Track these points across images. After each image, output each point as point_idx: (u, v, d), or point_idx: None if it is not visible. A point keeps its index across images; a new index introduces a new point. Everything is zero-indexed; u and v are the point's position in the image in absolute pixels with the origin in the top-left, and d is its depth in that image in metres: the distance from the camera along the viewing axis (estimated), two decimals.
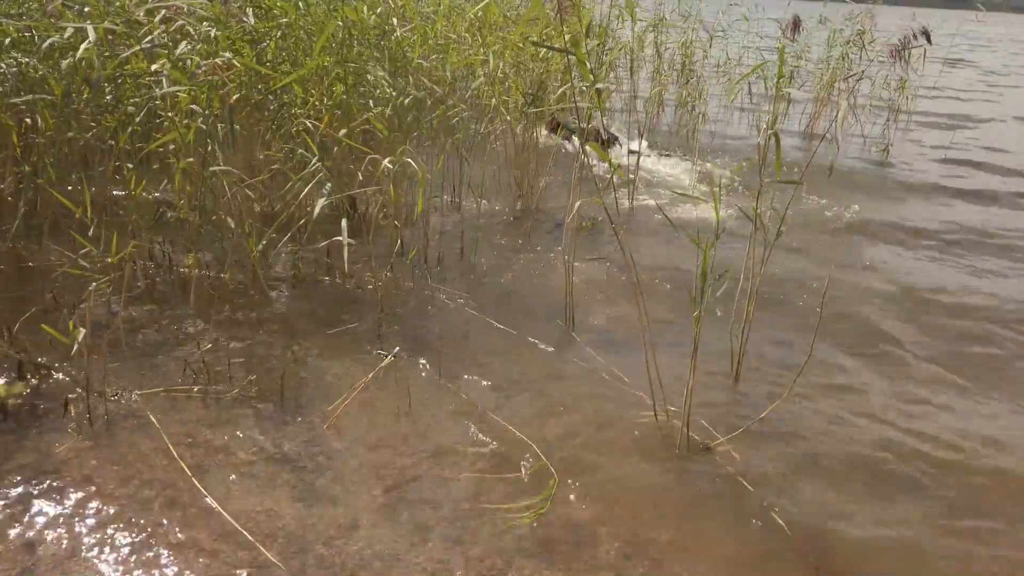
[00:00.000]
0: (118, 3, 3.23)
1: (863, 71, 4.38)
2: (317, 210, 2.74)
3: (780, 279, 3.98)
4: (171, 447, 2.32)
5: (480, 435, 2.53)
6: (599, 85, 2.54)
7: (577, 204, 2.74)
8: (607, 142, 5.46)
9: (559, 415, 2.68)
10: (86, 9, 3.23)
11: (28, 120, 3.49)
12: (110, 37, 3.08)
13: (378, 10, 3.84)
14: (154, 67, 2.84)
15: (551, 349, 3.14)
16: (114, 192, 3.60)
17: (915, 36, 2.84)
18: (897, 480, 2.47)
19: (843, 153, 7.28)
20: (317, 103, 3.62)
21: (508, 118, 4.50)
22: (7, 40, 3.12)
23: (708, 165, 6.44)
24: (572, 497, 2.26)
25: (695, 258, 2.46)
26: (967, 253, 4.77)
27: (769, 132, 2.83)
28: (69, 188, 3.38)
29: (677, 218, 4.91)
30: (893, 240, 4.91)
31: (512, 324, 3.31)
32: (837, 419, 2.78)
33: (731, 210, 4.70)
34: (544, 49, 4.25)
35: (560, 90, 3.63)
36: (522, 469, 2.37)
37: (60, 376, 2.61)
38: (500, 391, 2.80)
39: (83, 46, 2.83)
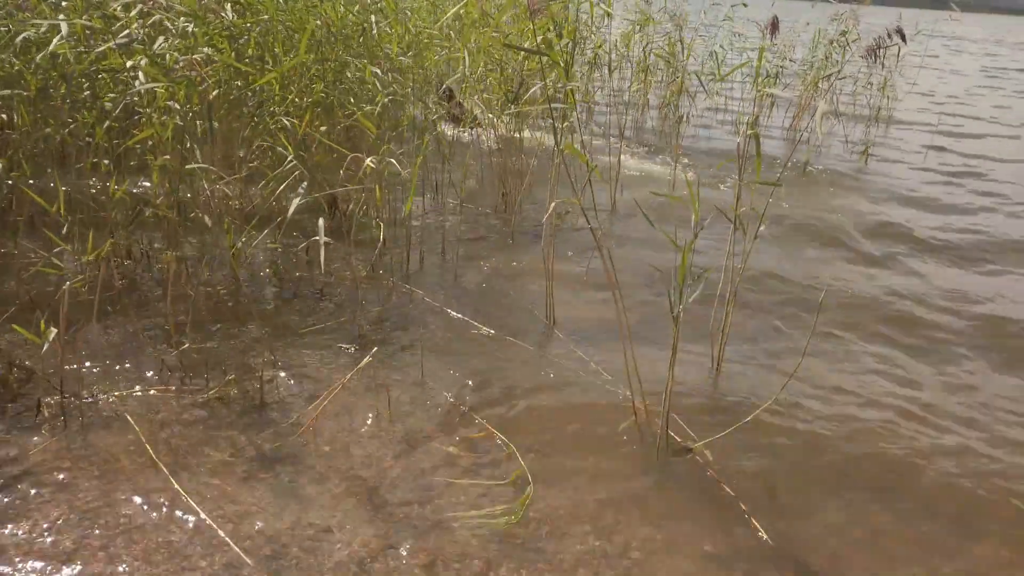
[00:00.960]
0: None
1: (839, 71, 4.42)
2: (292, 209, 2.73)
3: (758, 276, 4.00)
4: (148, 447, 2.30)
5: (459, 435, 2.52)
6: (570, 84, 2.54)
7: (553, 204, 2.74)
8: (457, 117, 5.39)
9: (539, 415, 2.68)
10: (63, 3, 3.19)
11: (3, 116, 3.45)
12: (87, 32, 3.05)
13: (355, 8, 3.83)
14: (130, 63, 2.81)
15: (532, 348, 3.14)
16: (91, 189, 3.56)
17: (890, 36, 2.86)
18: (878, 485, 2.49)
19: (824, 154, 7.33)
20: (296, 100, 3.60)
21: (490, 116, 4.51)
22: None
23: (690, 164, 6.46)
24: (550, 498, 2.27)
25: (676, 256, 2.47)
26: (952, 253, 4.82)
27: (749, 133, 2.85)
28: (47, 184, 3.34)
29: (658, 217, 4.92)
30: (869, 239, 4.95)
31: (493, 323, 3.31)
32: (818, 421, 2.80)
33: (711, 209, 4.72)
34: (523, 51, 4.24)
35: (532, 89, 3.62)
36: (500, 469, 2.37)
37: (34, 376, 2.57)
38: (480, 390, 2.80)
39: (55, 40, 2.79)
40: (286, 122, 3.34)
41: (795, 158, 6.69)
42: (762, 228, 2.99)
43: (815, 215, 5.33)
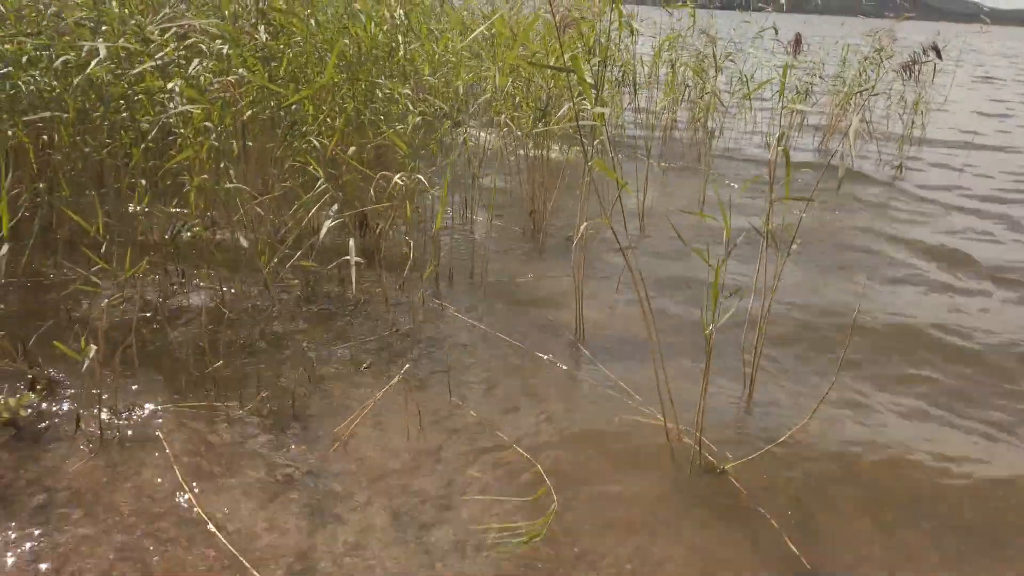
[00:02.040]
0: (134, 21, 3.27)
1: (872, 87, 4.36)
2: (324, 231, 2.76)
3: (792, 295, 3.95)
4: (176, 468, 2.32)
5: (489, 454, 2.51)
6: (599, 109, 2.53)
7: (584, 225, 2.73)
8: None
9: (568, 433, 2.66)
10: (103, 28, 3.27)
11: (45, 137, 3.54)
12: (124, 55, 3.12)
13: (384, 27, 3.87)
14: (170, 85, 2.87)
15: (562, 365, 3.13)
16: (129, 208, 3.63)
17: (924, 52, 2.82)
18: (914, 507, 2.43)
19: (857, 171, 7.24)
20: (328, 119, 3.64)
21: (519, 133, 4.52)
22: (24, 58, 3.16)
23: (720, 180, 6.43)
24: (579, 518, 2.24)
25: (707, 273, 2.45)
26: (977, 276, 4.71)
27: (779, 148, 2.82)
28: (86, 204, 3.41)
29: (688, 233, 4.90)
30: (905, 259, 4.87)
31: (523, 340, 3.30)
32: (853, 442, 2.74)
33: (742, 225, 4.69)
34: (549, 69, 4.25)
35: (562, 111, 3.63)
36: (526, 487, 2.35)
37: (72, 392, 2.62)
38: (510, 408, 2.79)
39: (93, 63, 2.86)
40: (316, 143, 3.38)
41: (827, 177, 6.62)
42: (795, 246, 2.95)
43: (849, 233, 5.26)
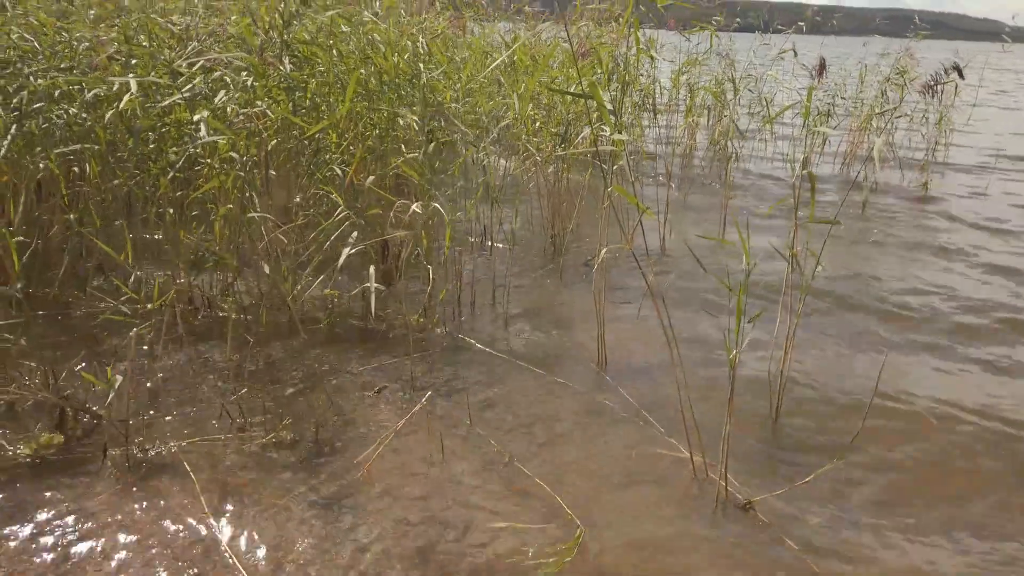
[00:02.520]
0: (163, 57, 3.34)
1: (895, 108, 4.34)
2: (343, 259, 2.79)
3: (817, 320, 3.91)
4: (201, 497, 2.33)
5: (510, 485, 2.49)
6: (617, 136, 2.54)
7: (604, 250, 2.73)
8: None
9: (590, 463, 2.64)
10: (132, 61, 3.35)
11: (76, 168, 3.62)
12: (154, 88, 3.19)
13: (405, 56, 3.93)
14: (196, 117, 2.93)
15: (583, 392, 3.11)
16: (155, 237, 3.69)
17: (946, 72, 2.81)
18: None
19: (880, 192, 7.18)
20: (350, 147, 3.69)
21: (539, 159, 4.55)
22: (57, 92, 3.25)
23: (742, 203, 6.40)
24: (603, 550, 2.22)
25: (729, 297, 2.43)
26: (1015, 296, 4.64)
27: (803, 171, 2.82)
28: (114, 234, 3.47)
29: (709, 258, 4.88)
30: (936, 282, 4.80)
31: (543, 367, 3.29)
32: (884, 473, 2.69)
33: (765, 247, 4.66)
34: (567, 94, 4.29)
35: (581, 135, 3.66)
36: (548, 518, 2.33)
37: (100, 422, 2.65)
38: (531, 437, 2.77)
39: (125, 97, 2.93)
40: (337, 171, 3.42)
41: (851, 198, 6.58)
42: (819, 269, 2.93)
43: (875, 255, 5.21)
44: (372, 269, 2.74)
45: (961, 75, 3.59)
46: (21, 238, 2.87)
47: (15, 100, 3.00)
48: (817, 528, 2.35)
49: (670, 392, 3.06)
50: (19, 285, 2.51)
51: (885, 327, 3.93)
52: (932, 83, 3.29)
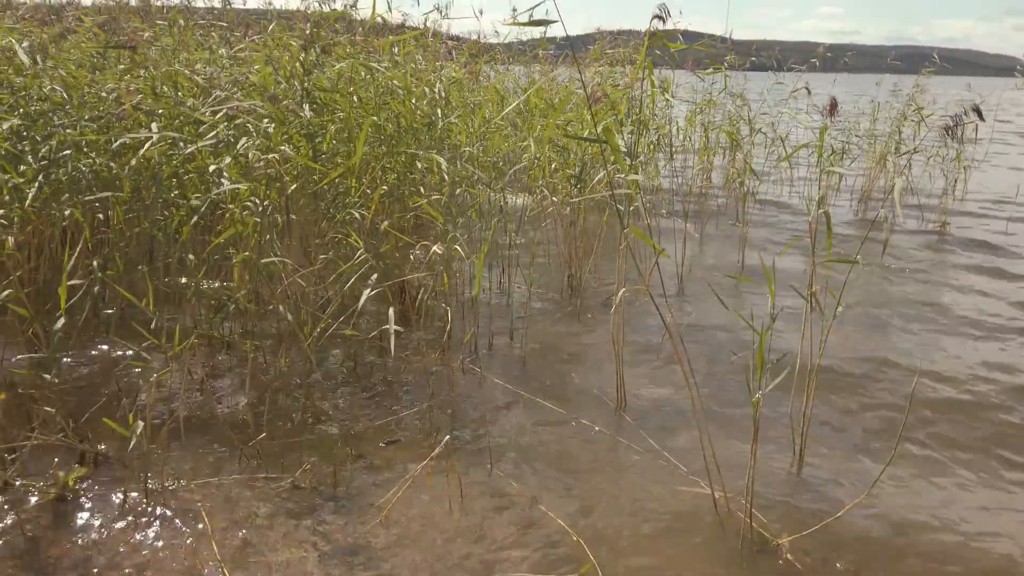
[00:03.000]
0: (187, 106, 3.43)
1: (915, 148, 4.33)
2: (362, 302, 2.80)
3: (839, 359, 3.86)
4: (213, 543, 2.31)
5: (532, 529, 2.46)
6: (632, 177, 2.56)
7: (621, 292, 2.73)
8: None
9: (611, 506, 2.60)
10: (159, 111, 3.44)
11: (100, 215, 3.69)
12: (178, 136, 3.26)
13: (424, 102, 4.00)
14: (211, 167, 2.99)
15: (603, 434, 3.08)
16: (178, 281, 3.73)
17: (966, 112, 2.80)
18: None
19: (899, 230, 7.14)
20: (368, 190, 3.74)
21: (555, 200, 4.58)
22: (83, 142, 3.33)
23: (758, 241, 6.39)
24: None
25: (749, 333, 2.41)
26: None
27: (820, 210, 2.80)
28: (136, 280, 3.52)
29: (728, 297, 4.85)
30: (956, 322, 4.74)
31: (563, 408, 3.27)
32: (911, 518, 2.62)
33: (783, 287, 4.64)
34: (582, 140, 4.33)
35: (597, 177, 3.69)
36: (570, 564, 2.29)
37: (120, 465, 2.65)
38: (551, 480, 2.74)
39: (147, 145, 3.00)
40: (356, 215, 3.46)
41: (870, 235, 6.54)
42: (840, 309, 2.90)
43: (896, 295, 5.16)
44: (391, 311, 2.74)
45: (981, 116, 3.58)
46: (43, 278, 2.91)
47: (44, 150, 3.08)
48: (847, 572, 2.29)
49: (690, 432, 3.03)
50: (61, 322, 2.54)
51: (905, 366, 3.88)
52: (952, 124, 3.28)
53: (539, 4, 2.50)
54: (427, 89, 4.09)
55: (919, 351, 4.10)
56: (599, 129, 2.71)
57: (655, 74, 6.17)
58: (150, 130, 3.16)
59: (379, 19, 4.72)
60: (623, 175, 3.28)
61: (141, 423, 2.31)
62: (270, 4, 5.14)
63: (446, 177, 3.74)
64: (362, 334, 3.72)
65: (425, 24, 5.57)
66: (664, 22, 3.29)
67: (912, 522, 2.57)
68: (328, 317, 3.33)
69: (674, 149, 7.50)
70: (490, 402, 3.33)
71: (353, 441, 2.94)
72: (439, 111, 3.98)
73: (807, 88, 7.19)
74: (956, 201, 8.32)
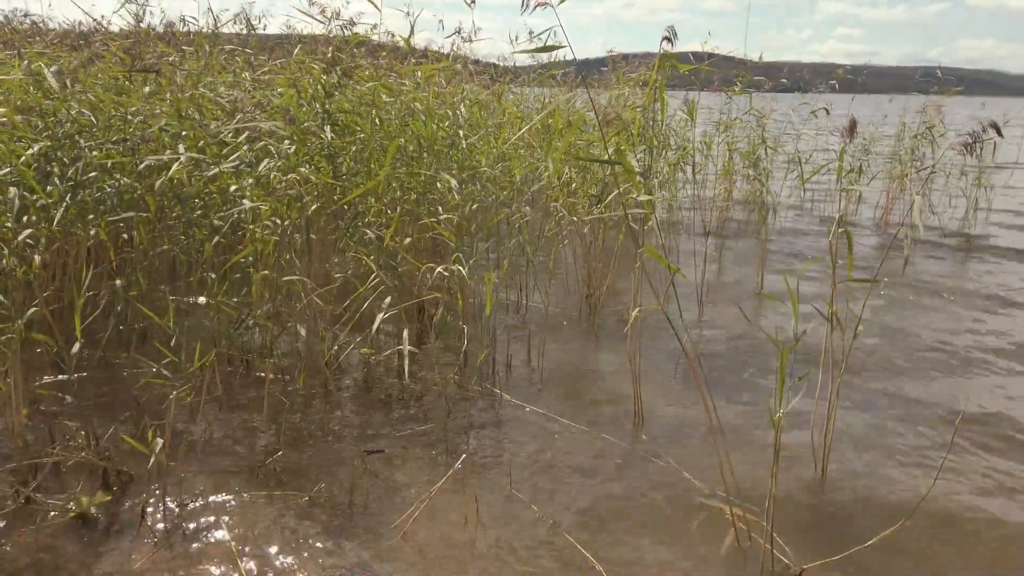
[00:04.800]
0: (212, 127, 3.49)
1: (933, 166, 4.30)
2: (377, 324, 2.82)
3: (860, 374, 3.82)
4: (238, 560, 2.32)
5: (550, 549, 2.44)
6: (646, 197, 2.57)
7: (636, 311, 2.72)
8: None
9: (630, 528, 2.58)
10: (183, 133, 3.50)
11: (124, 235, 3.74)
12: (201, 157, 3.32)
13: (446, 123, 4.04)
14: (232, 188, 3.04)
15: (620, 453, 3.06)
16: (199, 301, 3.78)
17: (985, 129, 2.78)
18: None
19: (920, 248, 7.07)
20: (388, 211, 3.77)
21: (574, 219, 4.59)
22: (110, 163, 3.39)
23: (778, 261, 6.35)
24: None
25: (770, 355, 2.39)
26: None
27: (840, 230, 2.79)
28: (158, 298, 3.56)
29: (749, 316, 4.82)
30: (979, 345, 4.67)
31: (580, 427, 3.25)
32: (943, 534, 2.57)
33: (805, 307, 4.60)
34: (594, 162, 4.35)
35: (611, 195, 3.70)
36: None
37: (140, 483, 2.67)
38: (569, 499, 2.72)
39: (174, 167, 3.06)
40: (371, 234, 3.48)
41: (890, 255, 6.49)
42: (860, 328, 2.86)
43: (918, 313, 5.10)
44: (405, 332, 2.76)
45: (1000, 133, 3.55)
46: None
47: (71, 171, 3.14)
48: None
49: (709, 453, 3.00)
50: (77, 346, 2.59)
51: (930, 388, 3.82)
52: (971, 141, 3.26)
53: (551, 28, 2.55)
54: (449, 112, 4.13)
55: (936, 366, 4.04)
56: (610, 152, 2.73)
57: (681, 96, 6.20)
58: (176, 151, 3.22)
59: (400, 41, 4.78)
60: (637, 196, 3.29)
61: (160, 441, 2.33)
62: (291, 28, 5.22)
63: (457, 198, 3.77)
64: (379, 352, 3.74)
65: (452, 48, 5.64)
66: (672, 44, 3.31)
67: (944, 533, 2.52)
68: (345, 336, 3.35)
69: (697, 169, 7.49)
70: (507, 420, 3.32)
71: (370, 459, 2.94)
72: (461, 132, 4.02)
73: (827, 109, 7.18)
74: (979, 223, 8.23)
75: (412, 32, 4.74)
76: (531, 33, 6.19)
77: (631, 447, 3.13)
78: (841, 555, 2.39)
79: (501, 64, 7.54)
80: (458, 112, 4.11)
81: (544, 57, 6.89)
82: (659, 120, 4.27)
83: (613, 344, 4.30)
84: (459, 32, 5.40)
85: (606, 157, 2.76)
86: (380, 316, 2.85)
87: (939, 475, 2.74)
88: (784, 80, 8.50)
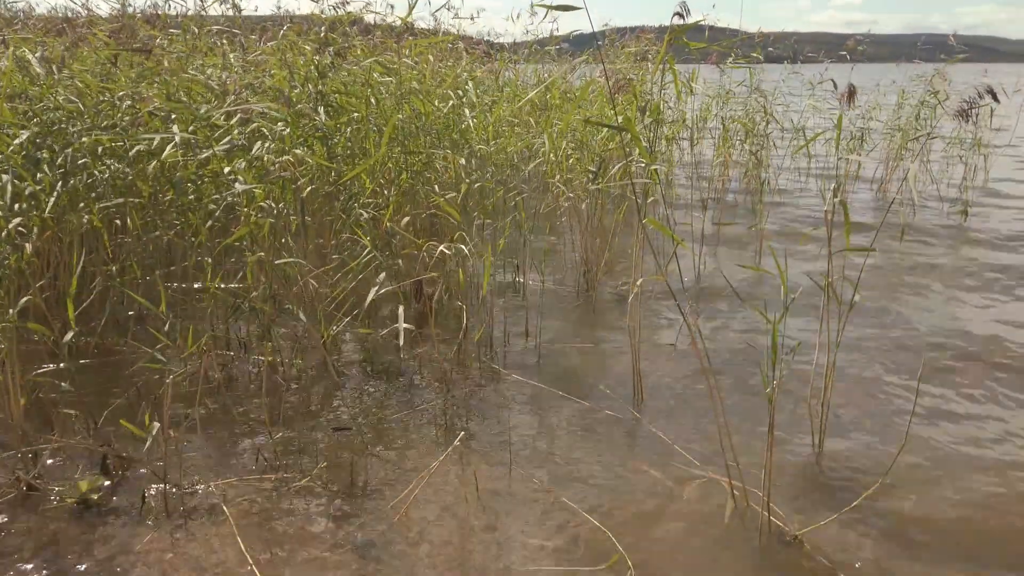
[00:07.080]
0: (203, 110, 3.45)
1: (930, 132, 4.27)
2: (370, 298, 2.82)
3: (857, 342, 3.82)
4: (240, 540, 2.33)
5: (551, 524, 2.45)
6: (653, 165, 2.54)
7: (639, 282, 2.71)
8: None
9: (630, 500, 2.59)
10: (172, 116, 3.47)
11: (117, 222, 3.73)
12: (193, 140, 3.29)
13: (450, 103, 4.00)
14: (227, 169, 3.01)
15: (620, 428, 3.07)
16: (192, 285, 3.78)
17: (980, 95, 2.76)
18: (1013, 565, 2.26)
19: (918, 216, 7.04)
20: (384, 191, 3.75)
21: (571, 195, 4.56)
22: (100, 149, 3.37)
23: (775, 230, 6.33)
24: None
25: (767, 328, 2.39)
26: None
27: (836, 200, 2.77)
28: (152, 283, 3.56)
29: (746, 288, 4.81)
30: (979, 301, 4.66)
31: (580, 403, 3.26)
32: (937, 495, 2.59)
33: (801, 277, 4.58)
34: (603, 127, 4.32)
35: (614, 169, 3.67)
36: (594, 555, 2.28)
37: (140, 467, 2.68)
38: (568, 474, 2.73)
39: (167, 148, 3.03)
40: (365, 214, 3.46)
41: (889, 223, 6.46)
42: (857, 297, 2.86)
43: (913, 284, 5.09)
44: (401, 309, 2.75)
45: (995, 98, 3.52)
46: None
47: (60, 159, 3.12)
48: (870, 562, 2.26)
49: (708, 424, 3.01)
50: (71, 334, 2.59)
51: (925, 355, 3.82)
52: (967, 108, 3.23)
53: None
54: (450, 91, 4.09)
55: (933, 333, 4.04)
56: (618, 119, 2.70)
57: (679, 69, 6.14)
58: (168, 132, 3.19)
59: (395, 20, 4.73)
60: (643, 164, 3.26)
61: (157, 424, 2.34)
62: (280, 8, 5.16)
63: (463, 176, 3.74)
64: (378, 333, 3.74)
65: (436, 23, 5.58)
66: (684, 19, 3.28)
67: (938, 495, 2.54)
68: (342, 317, 3.35)
69: (694, 140, 7.45)
70: (507, 396, 3.33)
71: (369, 439, 2.95)
72: (467, 111, 3.98)
73: (833, 81, 7.12)
74: (977, 189, 8.18)
75: (411, 9, 4.69)
76: (532, 5, 6.13)
77: (631, 419, 3.14)
78: (832, 517, 2.40)
79: (495, 40, 7.48)
80: (465, 89, 4.07)
81: (544, 31, 6.84)
82: (664, 91, 4.23)
83: (611, 318, 4.30)
84: (447, 6, 5.35)
85: (614, 124, 2.74)
86: (373, 292, 2.84)
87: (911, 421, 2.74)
88: (771, 50, 8.43)
